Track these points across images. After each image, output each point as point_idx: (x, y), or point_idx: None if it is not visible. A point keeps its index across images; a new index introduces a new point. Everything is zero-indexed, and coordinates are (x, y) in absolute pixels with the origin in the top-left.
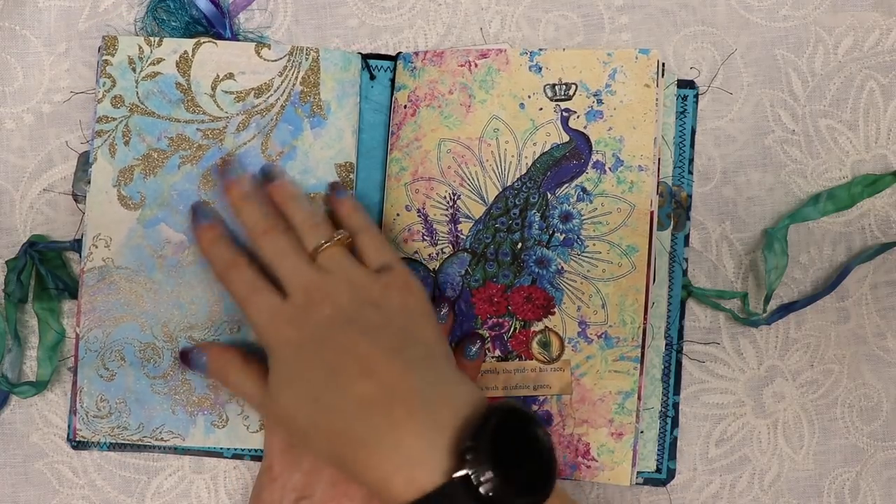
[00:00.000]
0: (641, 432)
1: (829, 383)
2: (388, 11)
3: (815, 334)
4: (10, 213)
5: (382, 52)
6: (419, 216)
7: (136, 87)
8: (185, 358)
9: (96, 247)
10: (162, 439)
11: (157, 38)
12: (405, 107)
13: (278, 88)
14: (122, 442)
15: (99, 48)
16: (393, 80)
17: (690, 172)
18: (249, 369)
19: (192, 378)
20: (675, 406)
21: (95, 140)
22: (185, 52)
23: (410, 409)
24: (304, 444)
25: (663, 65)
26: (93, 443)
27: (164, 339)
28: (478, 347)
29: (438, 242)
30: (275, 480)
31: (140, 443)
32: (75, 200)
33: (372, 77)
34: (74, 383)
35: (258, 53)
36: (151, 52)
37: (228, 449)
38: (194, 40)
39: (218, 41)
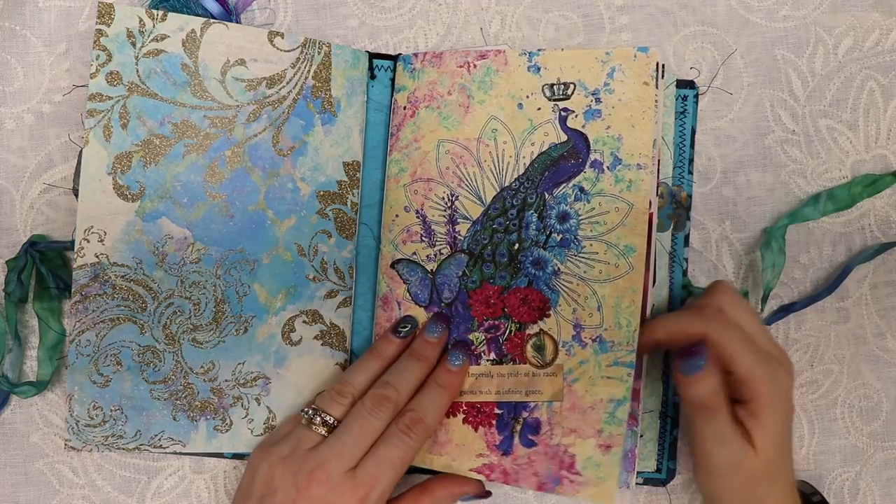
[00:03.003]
0: (641, 435)
1: (829, 383)
2: (388, 11)
3: (815, 334)
4: (10, 213)
5: (383, 52)
6: (418, 217)
7: (136, 64)
8: None
9: (88, 241)
10: (161, 446)
11: (160, 12)
12: (405, 108)
13: (291, 80)
14: (117, 451)
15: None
16: (393, 80)
17: (690, 172)
18: None
19: (195, 382)
20: (676, 406)
21: (87, 120)
22: (193, 30)
23: None
24: None
25: (663, 66)
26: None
27: (166, 341)
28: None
29: (436, 243)
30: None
31: (136, 451)
32: (76, 196)
33: (372, 76)
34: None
35: (271, 41)
36: (154, 26)
37: None
38: (202, 19)
39: (228, 24)
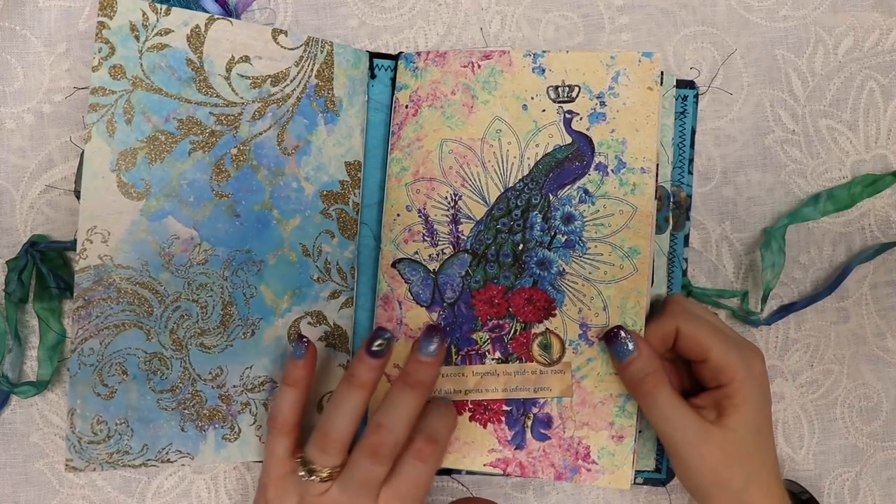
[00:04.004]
0: (640, 431)
1: (829, 383)
2: (388, 11)
3: (815, 334)
4: (10, 213)
5: (382, 52)
6: (420, 216)
7: (140, 59)
8: None
9: (91, 242)
10: (168, 461)
11: (163, 6)
12: (406, 107)
13: (294, 79)
14: (123, 467)
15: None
16: (394, 80)
17: (690, 173)
18: None
19: (203, 389)
20: None
21: (90, 115)
22: (197, 26)
23: None
24: None
25: (661, 73)
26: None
27: (173, 347)
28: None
29: (439, 243)
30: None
31: (143, 466)
32: (77, 197)
33: (372, 76)
34: None
35: (275, 39)
36: (158, 20)
37: None
38: (207, 15)
39: (232, 20)
